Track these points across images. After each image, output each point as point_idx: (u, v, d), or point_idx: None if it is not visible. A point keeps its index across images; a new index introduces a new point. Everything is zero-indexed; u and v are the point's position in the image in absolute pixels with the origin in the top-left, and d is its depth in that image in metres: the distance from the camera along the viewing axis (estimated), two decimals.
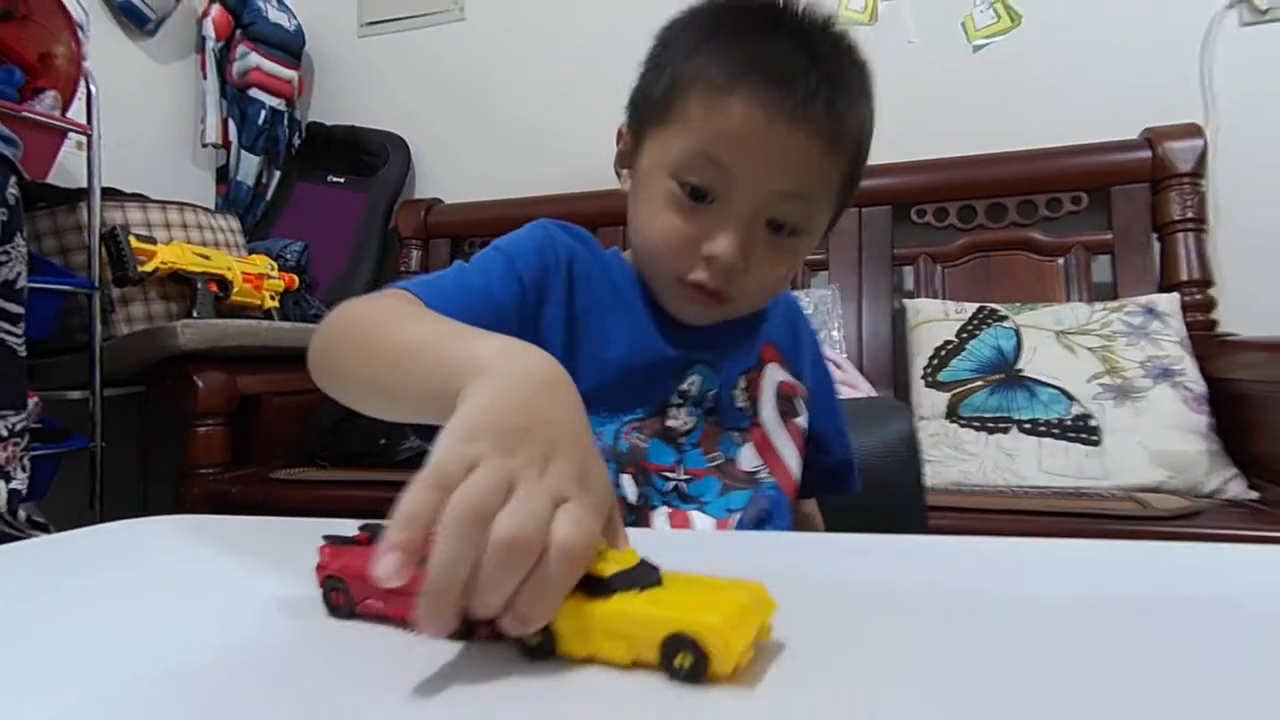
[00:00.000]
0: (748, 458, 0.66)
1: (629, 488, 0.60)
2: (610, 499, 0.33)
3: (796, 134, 0.55)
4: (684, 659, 0.25)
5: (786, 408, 0.70)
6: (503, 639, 0.28)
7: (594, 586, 0.28)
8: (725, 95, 0.55)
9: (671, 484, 0.62)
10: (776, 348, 0.71)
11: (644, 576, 0.29)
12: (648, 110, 0.61)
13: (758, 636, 0.27)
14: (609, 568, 0.29)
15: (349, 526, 0.36)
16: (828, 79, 0.55)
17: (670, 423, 0.63)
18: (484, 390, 0.34)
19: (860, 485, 0.77)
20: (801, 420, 0.71)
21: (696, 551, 0.47)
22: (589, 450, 0.33)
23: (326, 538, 0.35)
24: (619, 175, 0.67)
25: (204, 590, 0.39)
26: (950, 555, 0.43)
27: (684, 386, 0.64)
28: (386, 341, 0.45)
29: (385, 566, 0.26)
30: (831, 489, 0.76)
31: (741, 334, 0.67)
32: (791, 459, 0.69)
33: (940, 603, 0.35)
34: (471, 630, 0.29)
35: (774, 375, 0.69)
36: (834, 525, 0.80)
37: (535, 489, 0.29)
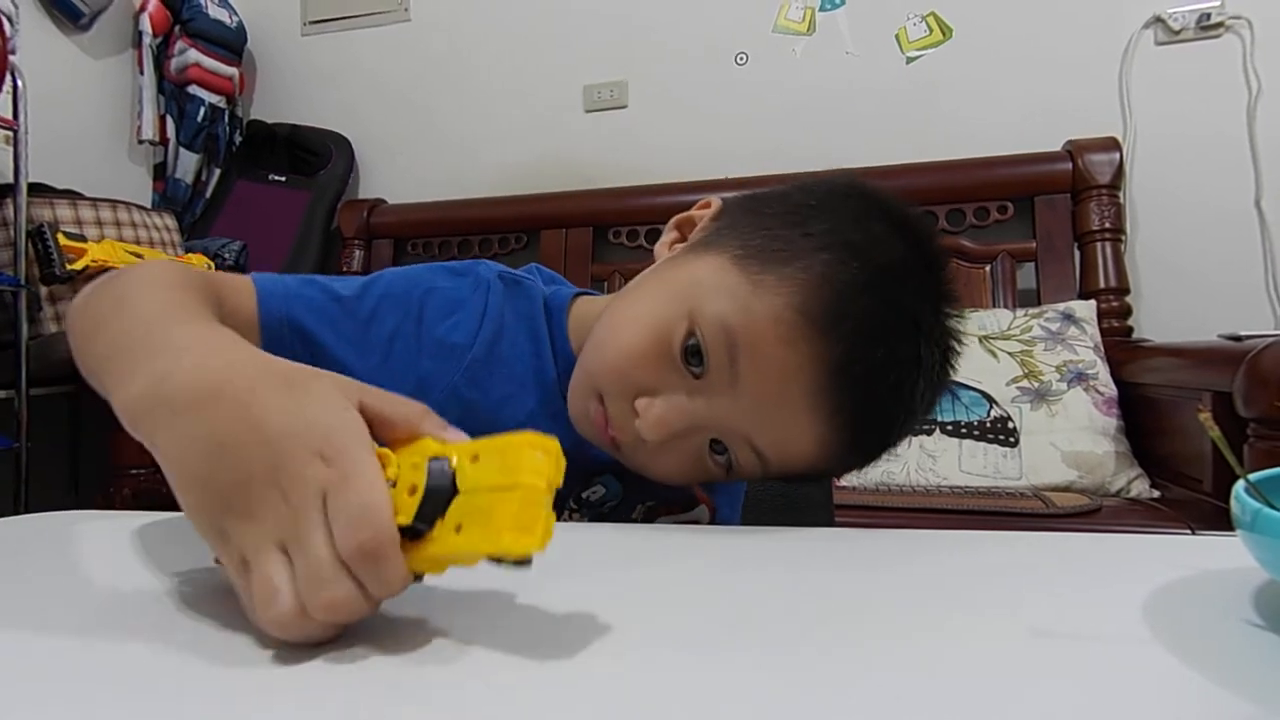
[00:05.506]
0: None
1: None
2: (352, 429, 0.30)
3: (822, 421, 0.46)
4: (506, 567, 0.28)
5: None
6: None
7: (404, 535, 0.29)
8: (806, 328, 0.45)
9: None
10: (707, 485, 0.62)
11: (439, 495, 0.29)
12: (747, 238, 0.50)
13: (552, 481, 0.28)
14: (403, 510, 0.29)
15: None
16: (895, 395, 0.46)
17: (561, 523, 0.59)
18: (166, 438, 0.32)
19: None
20: None
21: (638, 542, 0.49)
22: (290, 436, 0.30)
23: None
24: (666, 238, 0.57)
25: (78, 584, 0.40)
26: (830, 545, 0.46)
27: (586, 494, 0.59)
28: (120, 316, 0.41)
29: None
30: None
31: None
32: None
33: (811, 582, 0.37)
34: None
35: (691, 517, 0.62)
36: (746, 524, 0.83)
37: (307, 558, 0.28)
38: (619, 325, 0.52)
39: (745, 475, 0.51)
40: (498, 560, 0.28)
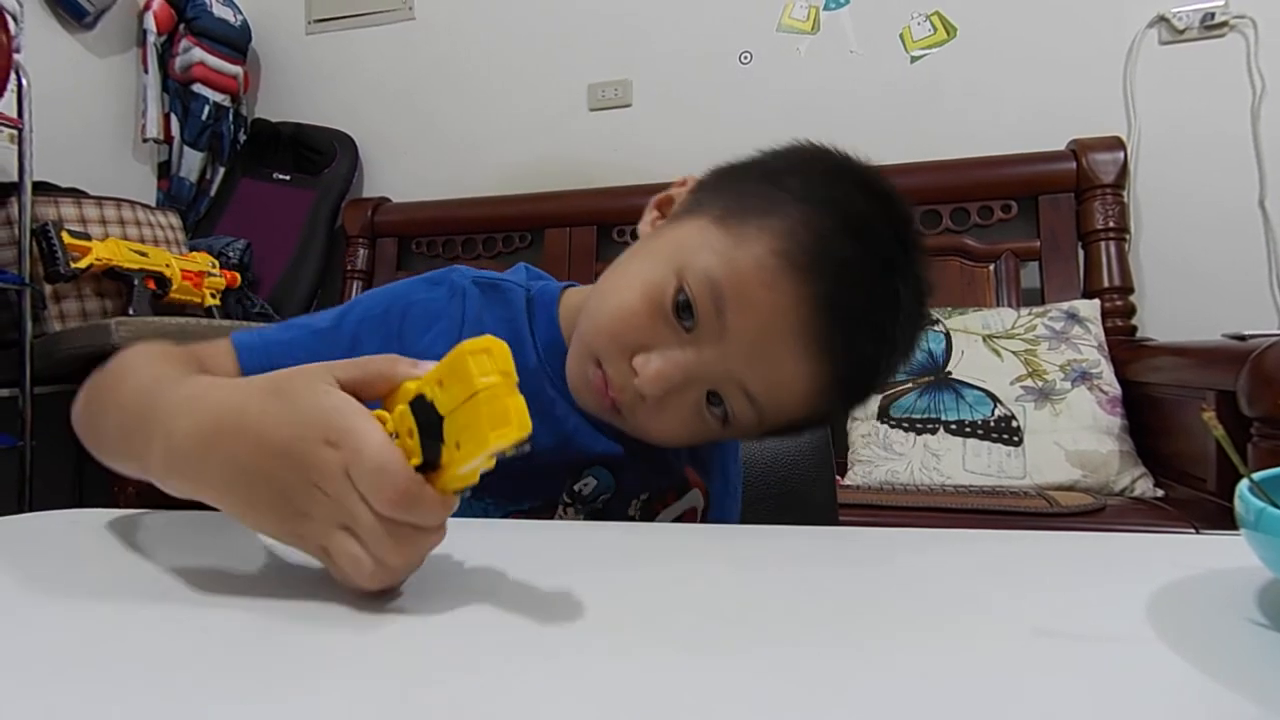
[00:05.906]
0: None
1: None
2: (342, 408, 0.34)
3: (811, 358, 0.49)
4: (510, 454, 0.31)
5: None
6: None
7: (423, 471, 0.33)
8: (787, 270, 0.48)
9: None
10: (699, 465, 0.64)
11: (430, 428, 0.33)
12: (725, 200, 0.53)
13: (504, 370, 0.32)
14: (413, 453, 0.33)
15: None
16: (877, 330, 0.50)
17: (558, 518, 0.60)
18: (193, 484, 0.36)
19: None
20: None
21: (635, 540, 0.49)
22: (295, 438, 0.34)
23: None
24: (648, 217, 0.60)
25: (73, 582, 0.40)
26: (829, 544, 0.46)
27: (578, 487, 0.60)
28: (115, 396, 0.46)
29: None
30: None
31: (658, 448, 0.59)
32: None
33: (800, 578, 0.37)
34: None
35: (687, 502, 0.64)
36: (749, 522, 0.82)
37: (363, 527, 0.33)
38: (611, 291, 0.54)
39: (741, 428, 0.53)
40: (502, 454, 0.31)
